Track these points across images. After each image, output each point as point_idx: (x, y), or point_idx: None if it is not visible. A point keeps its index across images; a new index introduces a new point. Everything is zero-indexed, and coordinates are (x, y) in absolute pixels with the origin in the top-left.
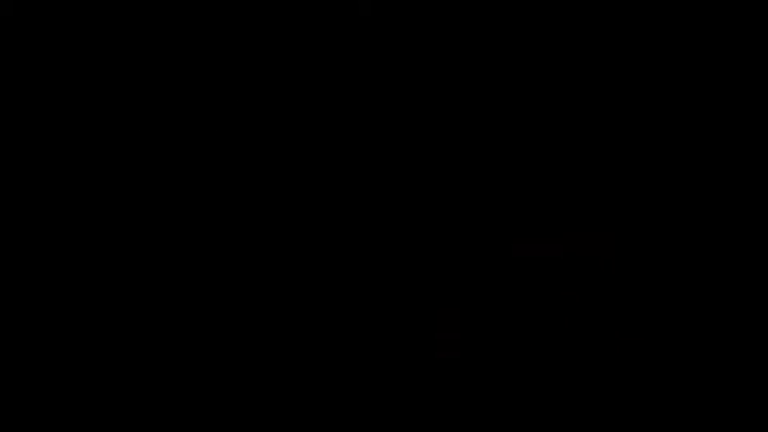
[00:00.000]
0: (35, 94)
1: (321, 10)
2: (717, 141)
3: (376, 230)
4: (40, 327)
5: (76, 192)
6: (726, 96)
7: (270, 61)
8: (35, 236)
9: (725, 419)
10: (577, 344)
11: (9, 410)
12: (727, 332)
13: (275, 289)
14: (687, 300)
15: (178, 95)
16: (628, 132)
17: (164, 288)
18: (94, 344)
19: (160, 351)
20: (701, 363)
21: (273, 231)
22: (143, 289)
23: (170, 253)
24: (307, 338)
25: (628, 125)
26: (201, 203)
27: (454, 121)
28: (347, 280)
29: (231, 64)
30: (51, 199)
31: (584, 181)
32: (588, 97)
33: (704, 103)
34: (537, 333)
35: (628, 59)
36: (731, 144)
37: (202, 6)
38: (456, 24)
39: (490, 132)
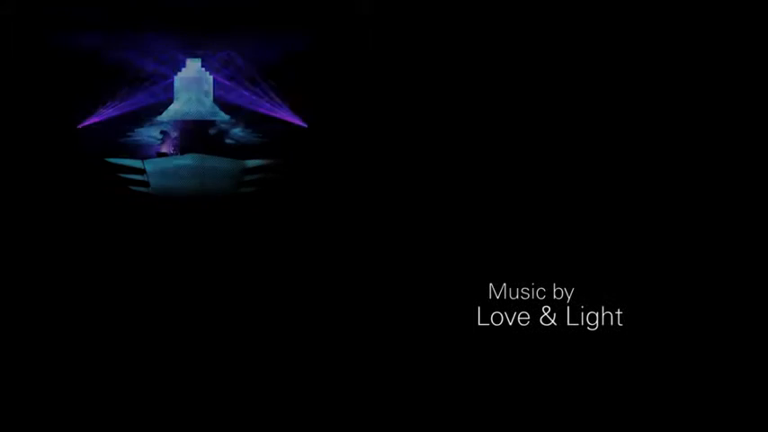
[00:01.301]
0: (35, 93)
1: (321, 8)
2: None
3: (374, 224)
4: (39, 326)
5: (75, 191)
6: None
7: (268, 59)
8: (34, 235)
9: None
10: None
11: (8, 410)
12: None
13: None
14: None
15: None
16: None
17: (163, 287)
18: (94, 343)
19: (159, 350)
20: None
21: (272, 231)
22: (142, 288)
23: (169, 253)
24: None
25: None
26: (201, 202)
27: (453, 121)
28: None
29: (229, 62)
30: (50, 198)
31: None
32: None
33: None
34: None
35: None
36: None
37: (201, 5)
38: (456, 23)
39: (489, 132)
